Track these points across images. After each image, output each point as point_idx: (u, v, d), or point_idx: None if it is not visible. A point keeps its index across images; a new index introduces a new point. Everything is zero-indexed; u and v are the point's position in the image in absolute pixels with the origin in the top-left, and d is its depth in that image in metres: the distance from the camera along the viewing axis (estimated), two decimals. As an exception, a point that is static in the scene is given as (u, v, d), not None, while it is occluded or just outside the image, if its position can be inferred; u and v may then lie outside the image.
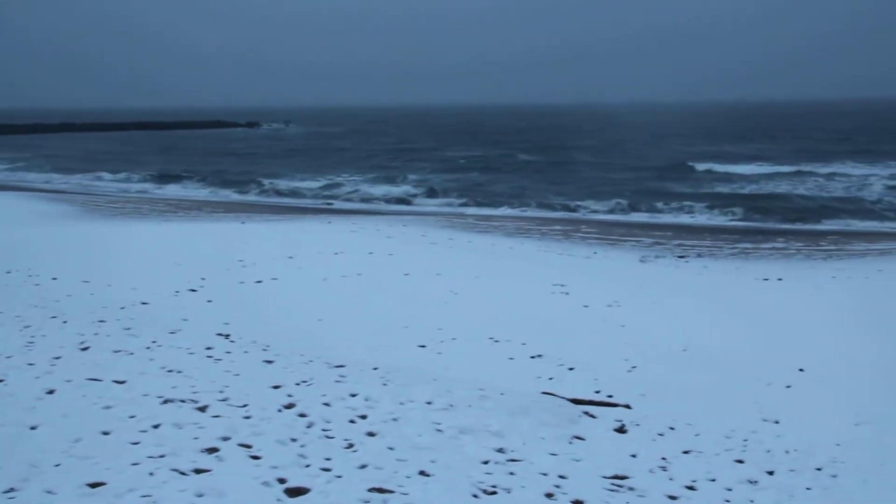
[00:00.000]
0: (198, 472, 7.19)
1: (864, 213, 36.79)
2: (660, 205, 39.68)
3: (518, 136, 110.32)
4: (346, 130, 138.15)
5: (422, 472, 7.65)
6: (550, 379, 12.52)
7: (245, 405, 9.17)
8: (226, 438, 8.03)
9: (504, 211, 39.61)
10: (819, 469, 8.98)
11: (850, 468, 9.07)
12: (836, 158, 60.95)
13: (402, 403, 9.68)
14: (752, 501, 7.87)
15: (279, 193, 48.07)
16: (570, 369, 13.08)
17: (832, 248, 27.35)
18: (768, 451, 9.48)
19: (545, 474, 7.93)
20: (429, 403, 9.78)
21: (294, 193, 47.83)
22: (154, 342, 12.26)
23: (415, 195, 45.75)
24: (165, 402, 9.15)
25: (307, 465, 7.55)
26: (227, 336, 13.26)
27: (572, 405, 10.46)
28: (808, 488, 8.36)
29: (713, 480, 8.33)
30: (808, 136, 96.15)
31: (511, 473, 7.86)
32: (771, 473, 8.71)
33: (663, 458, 8.86)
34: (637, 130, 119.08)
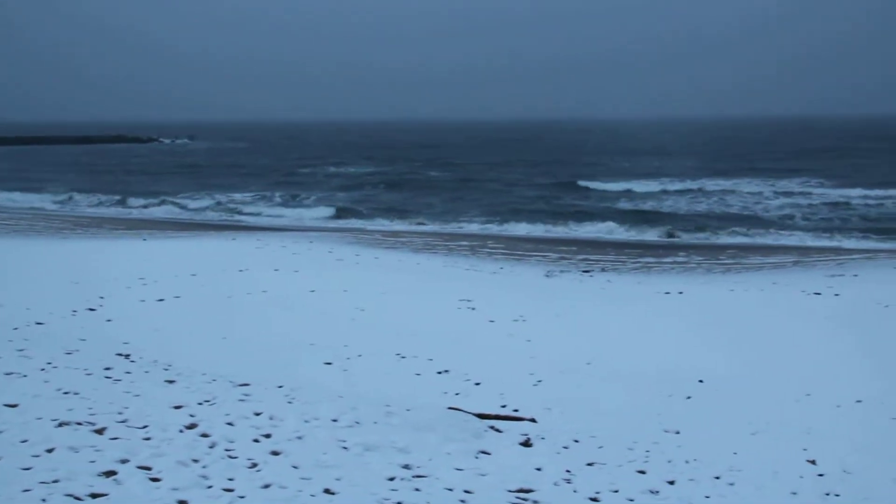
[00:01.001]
0: (94, 496, 6.96)
1: (760, 228, 38.00)
2: (558, 221, 40.27)
3: (429, 151, 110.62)
4: (251, 146, 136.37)
5: (326, 490, 7.57)
6: (457, 394, 12.56)
7: (145, 426, 8.93)
8: (124, 461, 7.79)
9: (411, 227, 39.71)
10: (717, 477, 9.21)
11: (746, 476, 9.32)
12: (740, 175, 62.81)
13: (307, 421, 9.57)
14: (653, 511, 8.02)
15: (182, 209, 47.17)
16: (477, 384, 13.15)
17: (730, 261, 28.17)
18: (669, 462, 9.68)
19: (451, 489, 7.93)
20: (334, 421, 9.69)
21: (196, 210, 47.00)
22: (49, 363, 11.83)
23: (321, 212, 45.43)
24: (60, 424, 8.84)
25: (209, 486, 7.39)
26: (126, 356, 12.92)
27: (478, 420, 10.50)
28: (706, 497, 8.56)
29: (616, 491, 8.46)
30: (729, 151, 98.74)
31: (417, 489, 7.84)
32: (672, 483, 8.90)
33: (568, 471, 8.96)
34: (559, 147, 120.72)
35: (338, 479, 7.87)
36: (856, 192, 50.02)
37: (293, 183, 62.38)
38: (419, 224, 40.65)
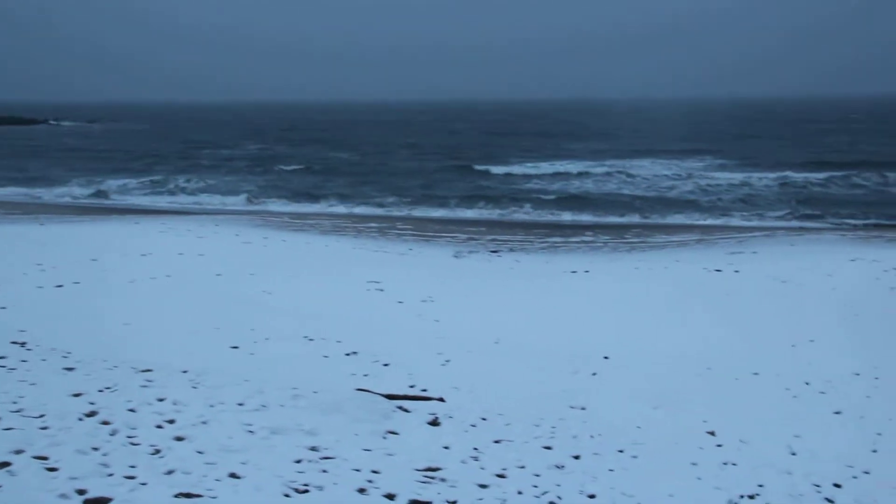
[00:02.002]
0: (-13, 488, 6.74)
1: (665, 208, 38.85)
2: (468, 203, 40.49)
3: (343, 132, 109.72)
4: (153, 128, 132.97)
5: (232, 475, 7.47)
6: (365, 375, 12.52)
7: (42, 415, 8.66)
8: (19, 451, 7.54)
9: (320, 209, 39.39)
10: (621, 451, 9.40)
11: (648, 448, 9.55)
12: (650, 156, 64.04)
13: (212, 406, 9.43)
14: (558, 485, 8.15)
15: (85, 193, 45.77)
16: (386, 365, 13.13)
17: (636, 240, 28.73)
18: (575, 437, 9.84)
19: (358, 470, 7.92)
20: (240, 405, 9.57)
21: (100, 194, 45.67)
22: (-60, 353, 11.40)
23: (230, 196, 44.66)
24: (-49, 416, 8.52)
25: (110, 474, 7.22)
26: (22, 344, 12.48)
27: (387, 401, 10.50)
28: (610, 470, 8.74)
29: (522, 467, 8.57)
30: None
31: (324, 471, 7.81)
32: (577, 458, 9.05)
33: (475, 449, 9.04)
34: (481, 128, 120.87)
35: (243, 463, 7.78)
36: (758, 173, 51.46)
37: (200, 166, 61.03)
38: (328, 206, 40.33)
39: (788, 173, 50.58)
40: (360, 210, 39.05)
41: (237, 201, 42.57)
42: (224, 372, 11.35)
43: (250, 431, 8.74)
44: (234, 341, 14.04)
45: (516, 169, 56.88)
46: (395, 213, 38.22)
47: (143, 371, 10.90)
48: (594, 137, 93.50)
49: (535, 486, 8.06)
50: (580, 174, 53.39)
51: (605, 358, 13.89)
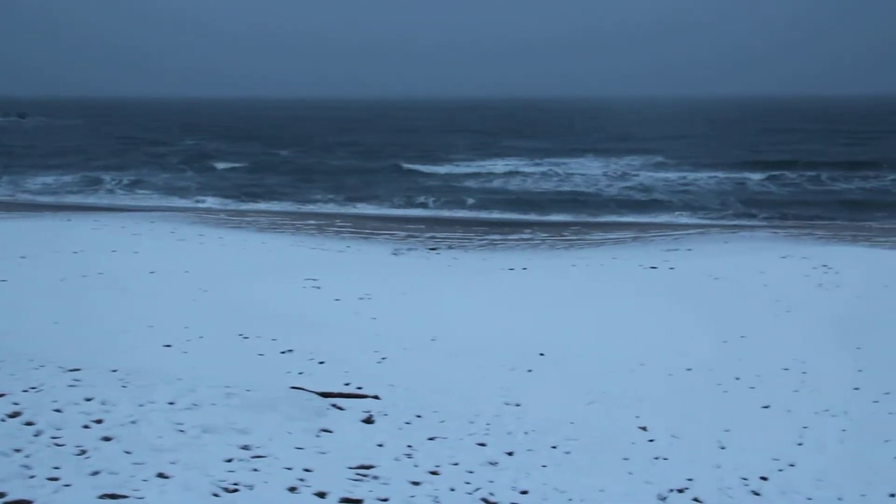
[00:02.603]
0: None
1: (603, 206, 39.31)
2: (407, 200, 40.49)
3: (282, 130, 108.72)
4: (88, 123, 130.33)
5: (160, 475, 7.35)
6: (301, 373, 12.42)
7: (-38, 417, 8.43)
8: (-64, 454, 7.34)
9: (258, 206, 39.03)
10: (554, 447, 9.46)
11: (581, 444, 9.62)
12: (585, 154, 64.70)
13: (141, 405, 9.26)
14: (491, 482, 8.17)
15: (11, 191, 44.69)
16: (321, 363, 13.04)
17: (574, 237, 28.96)
18: (509, 433, 9.87)
19: (290, 468, 7.85)
20: (171, 404, 9.42)
21: (28, 190, 44.64)
22: None
23: (165, 193, 44.02)
24: None
25: (31, 476, 7.05)
26: (-55, 343, 12.15)
27: (321, 398, 10.42)
28: (543, 466, 8.79)
29: (456, 464, 8.57)
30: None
31: (255, 470, 7.72)
32: (510, 454, 9.08)
33: (409, 446, 9.02)
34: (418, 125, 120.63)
35: (172, 463, 7.66)
36: (695, 173, 52.27)
37: (134, 162, 60.02)
38: (266, 203, 39.97)
39: (725, 173, 51.40)
40: (298, 207, 38.76)
41: (172, 198, 41.97)
42: (155, 371, 11.16)
43: (181, 430, 8.60)
44: (167, 339, 13.82)
45: (459, 168, 57.00)
46: (335, 210, 38.00)
47: (71, 370, 10.67)
48: (542, 136, 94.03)
49: (468, 483, 8.07)
50: (513, 173, 53.66)
51: (541, 355, 13.96)
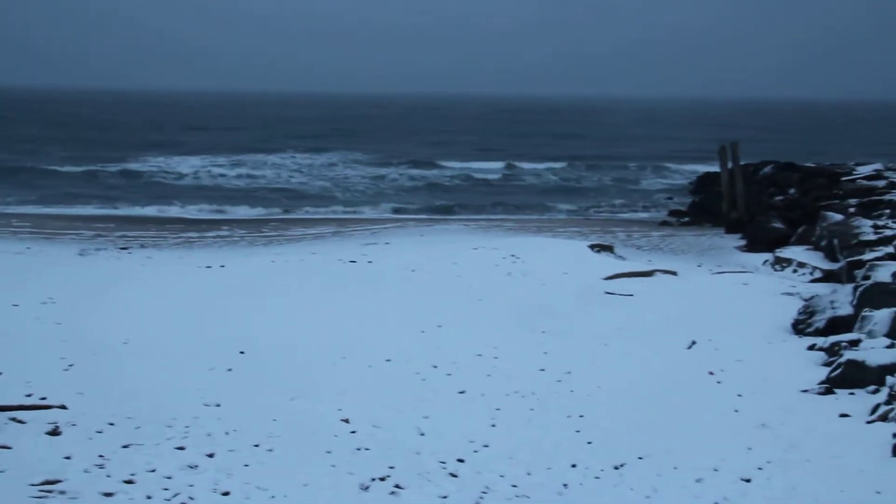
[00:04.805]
0: None
1: (303, 201, 39.34)
2: (103, 201, 38.30)
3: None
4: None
5: None
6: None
7: None
8: None
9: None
10: (256, 445, 9.33)
11: (284, 441, 9.56)
12: (295, 150, 64.31)
13: None
14: (191, 486, 7.96)
15: None
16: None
17: (273, 234, 28.75)
18: (209, 435, 9.61)
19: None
20: None
21: None
22: None
23: None
24: None
25: None
26: None
27: None
28: (245, 465, 8.64)
29: (153, 471, 8.23)
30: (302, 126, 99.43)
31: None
32: (211, 456, 8.85)
33: (101, 456, 8.54)
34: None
35: None
36: (386, 168, 53.59)
37: None
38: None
39: (419, 170, 53.17)
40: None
41: None
42: None
43: None
44: None
45: (146, 166, 54.56)
46: (11, 210, 35.03)
47: None
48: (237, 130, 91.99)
49: (167, 489, 7.77)
50: (208, 169, 52.22)
51: (241, 353, 13.68)
